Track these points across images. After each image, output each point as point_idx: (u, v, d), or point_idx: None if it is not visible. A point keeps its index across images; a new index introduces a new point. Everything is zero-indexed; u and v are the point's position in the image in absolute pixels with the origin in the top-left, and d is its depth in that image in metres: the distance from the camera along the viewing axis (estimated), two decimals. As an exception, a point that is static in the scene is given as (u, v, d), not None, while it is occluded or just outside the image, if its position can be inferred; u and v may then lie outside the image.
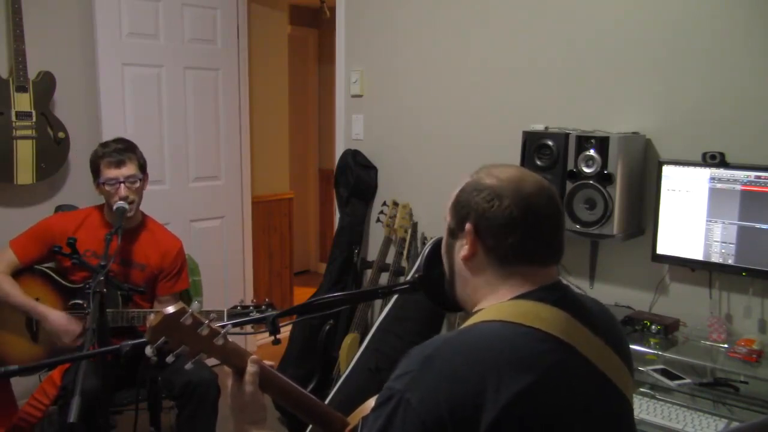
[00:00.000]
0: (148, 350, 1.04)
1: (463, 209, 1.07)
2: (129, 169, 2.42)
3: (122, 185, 2.40)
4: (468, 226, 1.05)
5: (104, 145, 2.49)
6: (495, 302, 1.05)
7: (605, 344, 1.05)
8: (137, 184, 2.46)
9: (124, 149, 2.45)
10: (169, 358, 1.06)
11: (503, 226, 1.03)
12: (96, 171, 2.44)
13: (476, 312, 1.06)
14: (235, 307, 2.33)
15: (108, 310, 2.18)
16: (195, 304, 1.06)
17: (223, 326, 1.11)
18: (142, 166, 2.50)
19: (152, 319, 1.04)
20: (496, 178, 1.06)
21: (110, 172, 2.40)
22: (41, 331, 2.45)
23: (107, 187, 2.40)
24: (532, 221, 1.04)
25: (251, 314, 2.26)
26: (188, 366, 1.12)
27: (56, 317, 2.37)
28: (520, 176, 1.07)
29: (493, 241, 1.04)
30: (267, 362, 1.19)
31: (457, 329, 1.04)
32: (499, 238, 1.03)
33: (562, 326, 1.00)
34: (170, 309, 1.04)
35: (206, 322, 1.07)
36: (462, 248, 1.07)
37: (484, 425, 0.90)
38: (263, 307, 2.28)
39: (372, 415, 0.97)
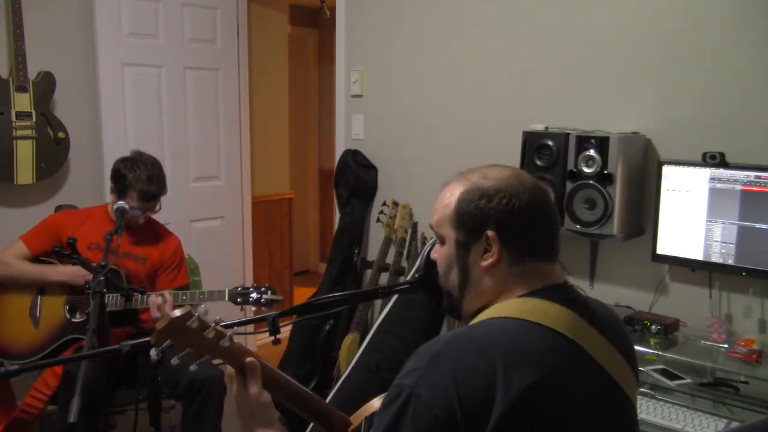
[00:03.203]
0: (153, 353, 1.03)
1: (474, 219, 1.06)
2: (155, 204, 2.53)
3: (144, 214, 2.51)
4: (491, 233, 1.04)
5: (136, 167, 2.47)
6: (504, 300, 1.05)
7: (610, 344, 1.05)
8: (154, 210, 2.56)
9: (158, 187, 2.49)
10: (174, 360, 1.06)
11: (526, 223, 1.04)
12: (122, 189, 2.46)
13: (483, 309, 1.06)
14: (236, 288, 2.38)
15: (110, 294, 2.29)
16: (201, 308, 1.06)
17: (226, 326, 1.11)
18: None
19: (158, 323, 1.04)
20: (495, 179, 1.07)
21: (138, 203, 2.46)
22: (43, 317, 2.48)
23: (129, 209, 2.41)
24: (542, 214, 1.06)
25: (251, 295, 2.36)
26: (193, 367, 1.11)
27: (67, 270, 2.46)
28: (515, 173, 1.08)
29: (517, 241, 1.05)
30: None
31: (464, 326, 1.04)
32: (522, 237, 1.05)
33: (569, 325, 1.01)
34: (177, 312, 1.04)
35: (212, 325, 1.07)
36: (481, 256, 1.06)
37: (494, 419, 0.90)
38: (263, 289, 2.37)
39: (381, 413, 0.96)
